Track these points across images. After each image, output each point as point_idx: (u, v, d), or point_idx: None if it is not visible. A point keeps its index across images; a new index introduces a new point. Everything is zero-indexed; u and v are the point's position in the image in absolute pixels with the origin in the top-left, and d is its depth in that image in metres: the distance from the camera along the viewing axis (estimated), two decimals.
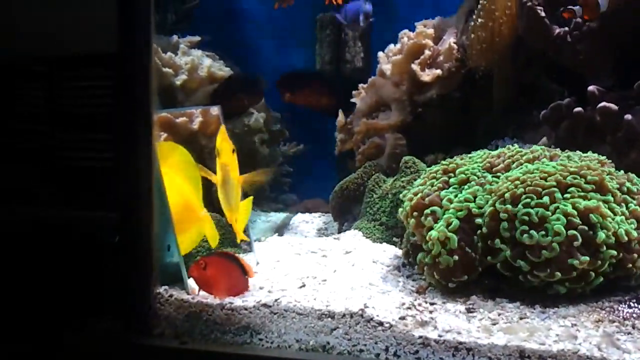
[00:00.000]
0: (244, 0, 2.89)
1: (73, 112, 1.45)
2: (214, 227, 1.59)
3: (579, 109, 1.76)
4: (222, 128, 1.52)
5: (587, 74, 1.83)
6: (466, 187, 1.50)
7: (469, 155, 1.66)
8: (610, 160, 1.56)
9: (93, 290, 1.43)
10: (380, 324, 1.25)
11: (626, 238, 1.33)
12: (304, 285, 1.48)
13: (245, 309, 1.34)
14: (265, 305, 1.34)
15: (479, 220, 1.40)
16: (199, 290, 1.44)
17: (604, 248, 1.31)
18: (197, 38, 2.40)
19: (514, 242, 1.35)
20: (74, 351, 1.41)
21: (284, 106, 2.63)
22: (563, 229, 1.30)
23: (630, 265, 1.34)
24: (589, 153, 1.58)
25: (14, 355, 1.43)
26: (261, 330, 1.32)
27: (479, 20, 2.04)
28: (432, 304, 1.36)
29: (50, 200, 1.47)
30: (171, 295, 1.42)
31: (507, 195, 1.38)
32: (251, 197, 1.61)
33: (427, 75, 2.19)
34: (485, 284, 1.41)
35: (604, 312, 1.28)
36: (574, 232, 1.30)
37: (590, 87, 1.75)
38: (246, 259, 1.58)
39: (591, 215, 1.33)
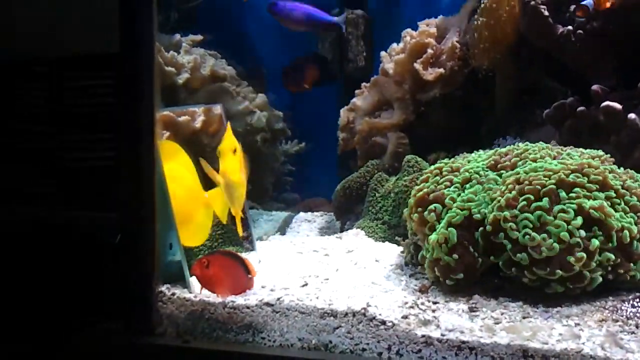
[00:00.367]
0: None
1: (73, 112, 1.44)
2: (222, 203, 1.55)
3: (582, 108, 1.76)
4: (228, 126, 1.51)
5: (590, 73, 1.83)
6: (468, 186, 1.50)
7: (478, 153, 1.65)
8: (611, 157, 1.56)
9: (94, 290, 1.43)
10: (383, 322, 1.25)
11: (629, 239, 1.32)
12: (306, 284, 1.48)
13: (248, 308, 1.34)
14: (267, 304, 1.34)
15: (478, 217, 1.40)
16: (201, 289, 1.44)
17: (600, 254, 1.30)
18: (200, 37, 2.40)
19: (515, 241, 1.34)
20: (75, 351, 1.41)
21: (286, 105, 2.64)
22: (567, 235, 1.29)
23: (623, 271, 1.32)
24: (589, 150, 1.57)
25: (14, 355, 1.43)
26: (263, 328, 1.31)
27: (482, 19, 2.03)
28: (434, 302, 1.35)
29: (51, 200, 1.46)
30: (173, 294, 1.42)
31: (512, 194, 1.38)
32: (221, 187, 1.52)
33: (429, 74, 2.19)
34: (487, 283, 1.41)
35: (607, 311, 1.27)
36: (577, 239, 1.29)
37: (594, 86, 1.75)
38: (248, 257, 1.58)
39: (594, 212, 1.32)
